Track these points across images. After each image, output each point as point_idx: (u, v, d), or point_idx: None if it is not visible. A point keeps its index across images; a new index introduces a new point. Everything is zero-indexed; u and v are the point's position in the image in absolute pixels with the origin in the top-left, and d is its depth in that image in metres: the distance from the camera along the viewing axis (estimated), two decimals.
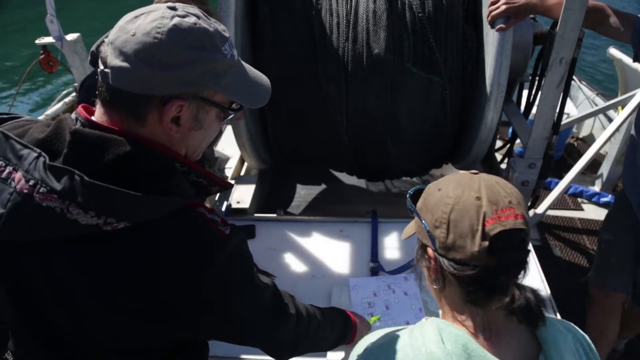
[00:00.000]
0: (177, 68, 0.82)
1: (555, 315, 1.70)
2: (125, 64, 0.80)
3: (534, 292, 0.83)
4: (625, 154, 2.15)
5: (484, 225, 0.80)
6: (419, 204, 0.93)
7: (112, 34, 0.84)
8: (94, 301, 0.86)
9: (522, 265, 0.85)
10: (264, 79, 1.00)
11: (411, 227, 0.98)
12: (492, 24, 2.14)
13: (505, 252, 0.80)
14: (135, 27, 0.82)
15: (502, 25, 2.09)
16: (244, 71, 0.95)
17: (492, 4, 2.13)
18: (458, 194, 0.85)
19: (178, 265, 0.83)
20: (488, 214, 0.81)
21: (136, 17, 0.84)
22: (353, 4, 2.27)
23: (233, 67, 0.90)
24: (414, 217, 0.94)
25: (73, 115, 0.88)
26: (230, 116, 0.96)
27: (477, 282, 0.82)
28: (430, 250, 0.88)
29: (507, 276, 0.82)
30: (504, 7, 2.08)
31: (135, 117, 0.85)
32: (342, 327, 1.28)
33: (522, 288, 0.82)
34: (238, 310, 0.96)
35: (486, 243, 0.80)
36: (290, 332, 1.10)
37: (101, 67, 0.84)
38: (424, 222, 0.89)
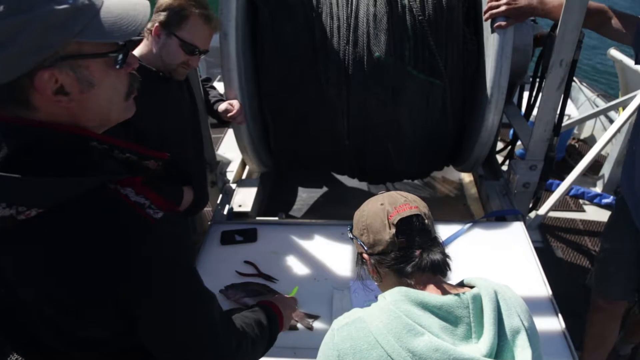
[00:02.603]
0: (13, 41, 0.75)
1: (557, 317, 1.70)
2: None
3: (443, 253, 1.09)
4: (625, 157, 2.14)
5: (389, 219, 1.10)
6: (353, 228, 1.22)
7: None
8: (19, 294, 0.85)
9: (427, 239, 1.10)
10: (132, 2, 0.89)
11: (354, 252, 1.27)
12: (491, 22, 2.14)
13: (410, 232, 1.09)
14: None
15: (502, 23, 2.08)
16: (102, 5, 0.84)
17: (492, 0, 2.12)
18: (369, 207, 1.17)
19: (90, 250, 0.81)
20: (390, 211, 1.11)
21: None
22: (353, 7, 2.28)
23: (82, 9, 0.80)
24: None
25: None
26: (120, 57, 0.87)
27: (400, 260, 1.08)
28: (364, 255, 1.15)
29: (418, 249, 1.08)
30: (504, 7, 2.08)
31: (21, 105, 0.81)
32: (267, 331, 1.21)
33: (431, 253, 1.08)
34: (169, 309, 0.91)
35: (394, 230, 1.09)
36: (233, 350, 1.04)
37: None
38: (355, 236, 1.18)
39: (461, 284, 1.12)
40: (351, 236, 1.22)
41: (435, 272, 1.08)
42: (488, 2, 2.15)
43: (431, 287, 1.07)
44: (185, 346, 0.97)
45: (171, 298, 0.90)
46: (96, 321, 0.89)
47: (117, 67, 0.87)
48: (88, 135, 0.86)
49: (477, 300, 1.01)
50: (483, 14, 2.18)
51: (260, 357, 1.19)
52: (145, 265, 0.84)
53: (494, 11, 2.10)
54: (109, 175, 0.86)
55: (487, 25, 2.24)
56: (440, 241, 1.14)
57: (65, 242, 0.81)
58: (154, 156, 0.95)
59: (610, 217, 2.29)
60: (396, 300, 1.01)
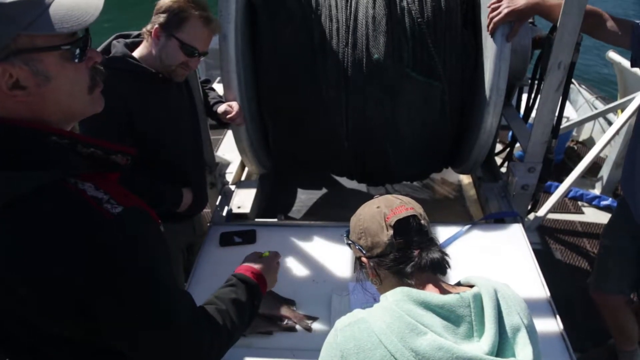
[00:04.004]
0: None
1: (556, 318, 1.70)
2: None
3: (441, 252, 1.11)
4: (625, 155, 2.16)
5: (386, 220, 1.11)
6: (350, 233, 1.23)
7: None
8: None
9: (425, 238, 1.11)
10: None
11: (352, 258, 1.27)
12: (494, 31, 2.12)
13: (407, 232, 1.10)
14: None
15: (512, 33, 2.08)
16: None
17: (493, 10, 2.10)
18: (365, 211, 1.17)
19: (42, 245, 0.80)
20: (387, 213, 1.12)
21: None
22: (352, 9, 2.28)
23: (31, 2, 0.80)
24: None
25: None
26: (77, 51, 0.87)
27: (399, 261, 1.09)
28: (363, 259, 1.16)
29: (416, 249, 1.09)
30: (506, 10, 2.05)
31: None
32: (247, 307, 1.18)
33: (429, 252, 1.09)
34: (124, 307, 0.87)
35: (391, 231, 1.09)
36: (205, 349, 1.02)
37: None
38: (353, 241, 1.18)
39: (458, 284, 1.12)
40: (349, 241, 1.22)
41: (435, 270, 1.09)
42: (489, 14, 2.12)
43: (431, 286, 1.07)
44: (149, 347, 0.95)
45: (126, 296, 0.87)
46: (59, 318, 0.87)
47: (76, 60, 0.87)
48: (47, 130, 0.85)
49: (478, 299, 1.02)
50: (487, 27, 2.16)
51: (242, 333, 1.18)
52: (96, 262, 0.82)
53: (496, 19, 2.08)
54: (68, 169, 0.84)
55: (485, 26, 2.23)
56: (437, 242, 1.15)
57: (20, 236, 0.80)
58: (120, 151, 0.94)
59: (612, 216, 2.33)
60: (398, 300, 1.02)
